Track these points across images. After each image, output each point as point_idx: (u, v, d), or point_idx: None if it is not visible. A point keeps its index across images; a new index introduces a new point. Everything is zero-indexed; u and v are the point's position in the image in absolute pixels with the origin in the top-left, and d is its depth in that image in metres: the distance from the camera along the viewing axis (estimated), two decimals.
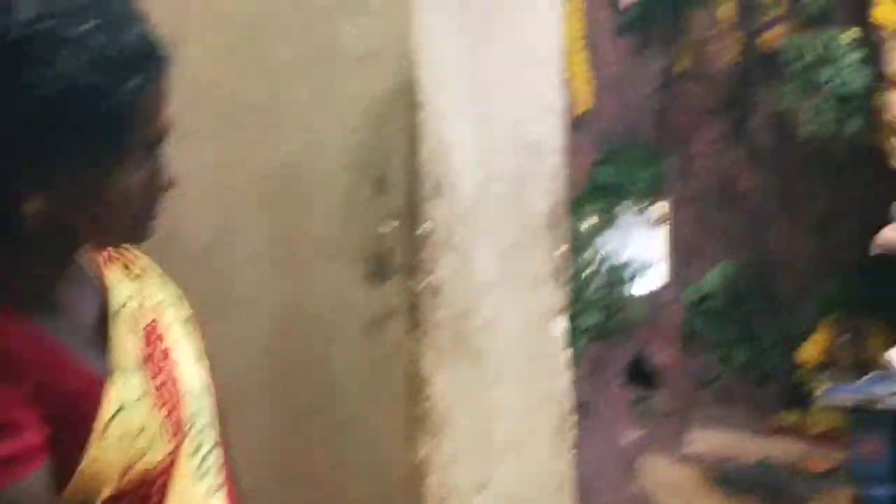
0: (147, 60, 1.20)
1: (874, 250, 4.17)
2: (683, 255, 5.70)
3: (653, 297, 5.64)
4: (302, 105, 1.95)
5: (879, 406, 3.75)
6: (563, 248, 2.05)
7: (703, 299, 5.51)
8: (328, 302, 1.95)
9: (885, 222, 4.24)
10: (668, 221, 5.70)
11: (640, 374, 5.59)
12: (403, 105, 1.85)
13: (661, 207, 5.73)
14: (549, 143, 2.04)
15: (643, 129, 5.88)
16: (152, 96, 1.21)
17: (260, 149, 2.00)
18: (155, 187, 1.25)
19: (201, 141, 1.91)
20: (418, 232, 1.86)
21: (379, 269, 1.89)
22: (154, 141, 1.23)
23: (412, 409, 1.88)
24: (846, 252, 4.96)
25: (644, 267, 5.60)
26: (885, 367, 4.08)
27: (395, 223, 1.87)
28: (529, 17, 2.00)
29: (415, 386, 1.89)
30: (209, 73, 1.93)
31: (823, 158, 4.98)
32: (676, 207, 5.72)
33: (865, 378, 4.02)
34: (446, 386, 1.90)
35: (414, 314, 1.88)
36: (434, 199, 1.86)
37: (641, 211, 5.66)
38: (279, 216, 1.99)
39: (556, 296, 2.06)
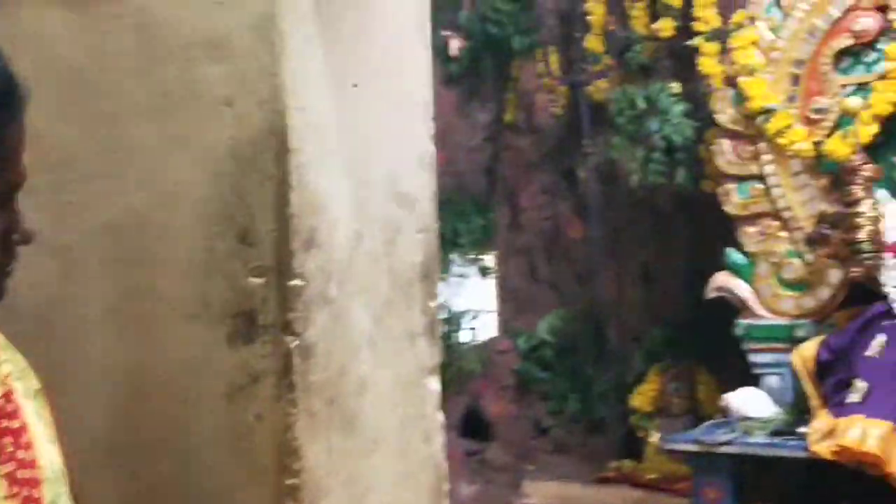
0: (6, 96, 1.05)
1: (708, 294, 4.25)
2: (514, 305, 5.72)
3: (485, 347, 5.62)
4: (152, 151, 1.79)
5: (720, 451, 3.79)
6: (436, 301, 1.94)
7: (534, 349, 5.52)
8: (187, 365, 1.78)
9: (712, 270, 4.34)
10: (498, 272, 5.72)
11: (474, 427, 5.54)
12: (272, 151, 1.71)
13: (491, 258, 5.74)
14: (421, 193, 1.94)
15: (472, 181, 5.88)
16: (13, 136, 1.06)
17: (102, 199, 1.82)
18: (10, 241, 1.10)
19: (33, 195, 1.72)
20: (288, 287, 1.72)
21: (244, 328, 1.74)
22: (10, 188, 1.08)
23: (281, 483, 1.73)
24: (674, 300, 5.06)
25: (476, 317, 5.58)
26: (722, 411, 4.15)
27: (263, 279, 1.73)
28: (401, 63, 1.91)
29: (284, 457, 1.74)
30: (38, 121, 1.74)
31: (651, 208, 5.08)
32: (506, 258, 5.74)
33: (706, 424, 4.07)
34: (319, 456, 1.76)
35: (284, 377, 1.73)
36: (305, 251, 1.73)
37: (472, 262, 5.65)
38: (127, 272, 1.81)
39: (429, 352, 1.95)
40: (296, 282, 1.72)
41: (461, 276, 5.57)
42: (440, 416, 2.01)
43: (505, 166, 5.73)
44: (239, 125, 1.73)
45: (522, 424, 5.56)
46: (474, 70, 5.77)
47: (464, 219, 5.68)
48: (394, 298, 1.88)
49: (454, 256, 5.52)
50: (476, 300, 5.64)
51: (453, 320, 5.39)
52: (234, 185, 1.73)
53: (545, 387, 5.47)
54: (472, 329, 5.59)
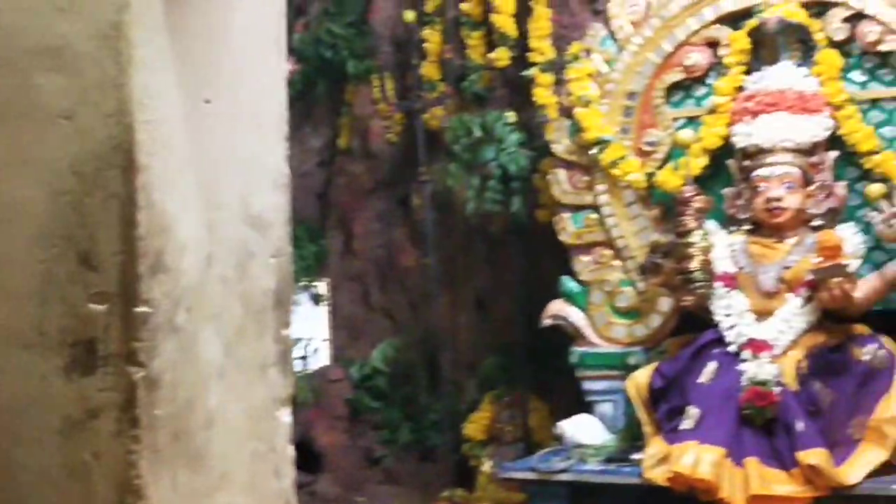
0: None
1: (544, 322, 4.28)
2: (347, 333, 5.63)
3: (317, 377, 5.51)
4: None
5: (556, 479, 3.80)
6: (289, 329, 1.86)
7: (367, 378, 5.44)
8: (19, 398, 1.64)
9: (546, 299, 4.37)
10: (331, 300, 5.62)
11: (305, 458, 5.42)
12: (117, 168, 1.60)
13: (324, 285, 5.65)
14: (275, 216, 1.85)
15: (305, 207, 5.77)
16: None
17: None
18: None
19: None
20: (133, 314, 1.61)
21: (83, 358, 1.62)
22: None
23: None
24: (508, 328, 5.08)
25: (308, 346, 5.47)
26: (556, 438, 4.17)
27: (105, 305, 1.61)
28: (255, 80, 1.82)
29: (126, 496, 1.62)
30: None
31: (486, 236, 5.10)
32: (339, 285, 5.65)
33: (541, 452, 4.08)
34: (164, 494, 1.65)
35: (126, 411, 1.62)
36: (152, 276, 1.62)
37: (304, 289, 5.55)
38: None
39: (282, 383, 1.86)
40: (141, 308, 1.62)
41: (293, 303, 5.44)
42: (291, 450, 1.93)
43: (338, 192, 5.65)
44: (81, 139, 1.61)
45: (354, 455, 5.47)
46: (308, 94, 5.68)
47: (296, 245, 5.55)
48: (246, 326, 1.79)
49: None
50: (308, 328, 5.53)
51: None
52: (76, 204, 1.61)
53: (378, 416, 5.40)
54: (304, 358, 5.48)
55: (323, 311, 5.61)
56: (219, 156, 1.75)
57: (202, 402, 1.70)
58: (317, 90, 5.63)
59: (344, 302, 5.64)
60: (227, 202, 1.77)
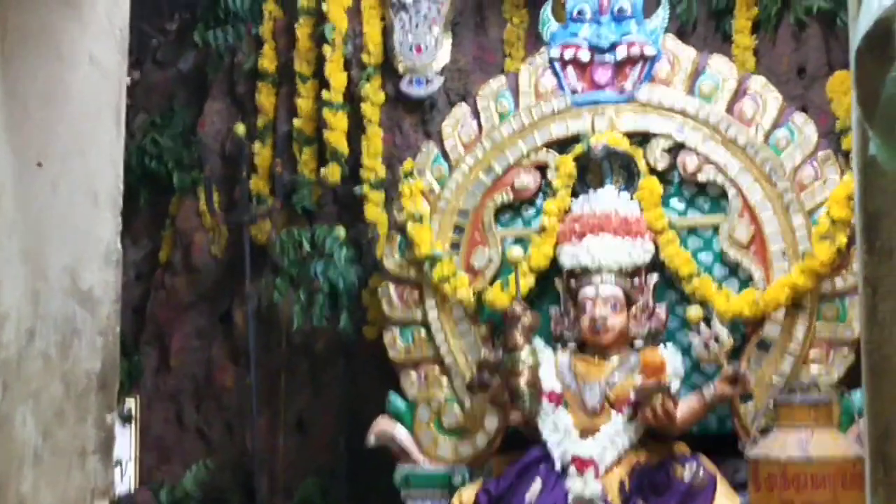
0: None
1: (369, 440, 4.18)
2: (157, 454, 5.36)
3: (123, 500, 5.20)
4: None
5: None
6: (114, 414, 1.73)
7: (177, 502, 5.18)
8: None
9: (370, 417, 4.28)
10: (141, 418, 5.36)
11: None
12: None
13: (132, 404, 5.39)
14: (104, 293, 1.74)
15: (120, 321, 5.54)
16: None
17: None
18: None
19: None
20: None
21: None
22: None
23: None
24: (330, 448, 4.95)
25: (115, 465, 5.18)
26: None
27: None
28: (92, 149, 1.73)
29: None
30: None
31: (310, 353, 4.99)
32: (151, 404, 5.41)
33: None
34: None
35: None
36: None
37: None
38: None
39: (102, 472, 1.72)
40: None
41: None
42: None
43: (156, 306, 5.45)
44: None
45: None
46: (129, 205, 5.50)
47: None
48: (66, 409, 1.65)
49: None
50: (115, 448, 5.24)
51: None
52: None
53: None
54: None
55: (131, 430, 5.34)
56: (48, 223, 1.65)
57: (14, 487, 1.54)
58: (139, 202, 5.47)
59: (156, 421, 5.38)
60: (54, 274, 1.65)
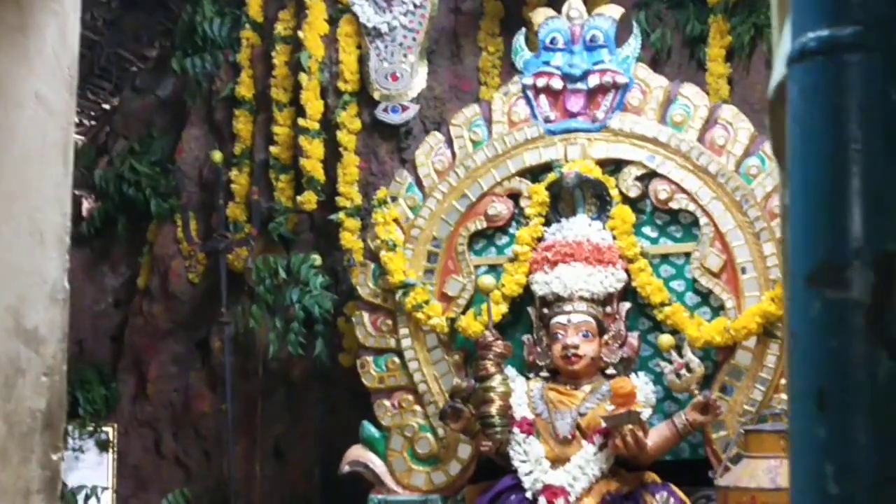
0: None
1: (343, 468, 4.16)
2: (135, 482, 5.35)
3: None
4: None
5: None
6: (60, 454, 1.72)
7: None
8: None
9: (345, 445, 4.27)
10: (118, 446, 5.34)
11: None
12: None
13: (109, 431, 5.37)
14: (49, 332, 1.74)
15: (96, 347, 5.54)
16: None
17: None
18: None
19: None
20: None
21: None
22: None
23: None
24: (305, 476, 4.94)
25: (92, 496, 5.15)
26: None
27: None
28: (38, 186, 1.73)
29: None
30: None
31: (286, 381, 4.99)
32: (129, 431, 5.39)
33: None
34: None
35: None
36: None
37: (91, 434, 5.26)
38: None
39: None
40: None
41: (78, 449, 5.16)
42: None
43: (134, 333, 5.44)
44: None
45: None
46: (107, 232, 5.52)
47: (84, 388, 5.31)
48: (9, 449, 1.64)
49: (71, 428, 5.11)
50: (92, 476, 5.23)
51: (67, 498, 4.94)
52: None
53: None
54: None
55: (108, 457, 5.32)
56: None
57: None
58: (117, 228, 5.48)
59: (134, 449, 5.37)
60: None
